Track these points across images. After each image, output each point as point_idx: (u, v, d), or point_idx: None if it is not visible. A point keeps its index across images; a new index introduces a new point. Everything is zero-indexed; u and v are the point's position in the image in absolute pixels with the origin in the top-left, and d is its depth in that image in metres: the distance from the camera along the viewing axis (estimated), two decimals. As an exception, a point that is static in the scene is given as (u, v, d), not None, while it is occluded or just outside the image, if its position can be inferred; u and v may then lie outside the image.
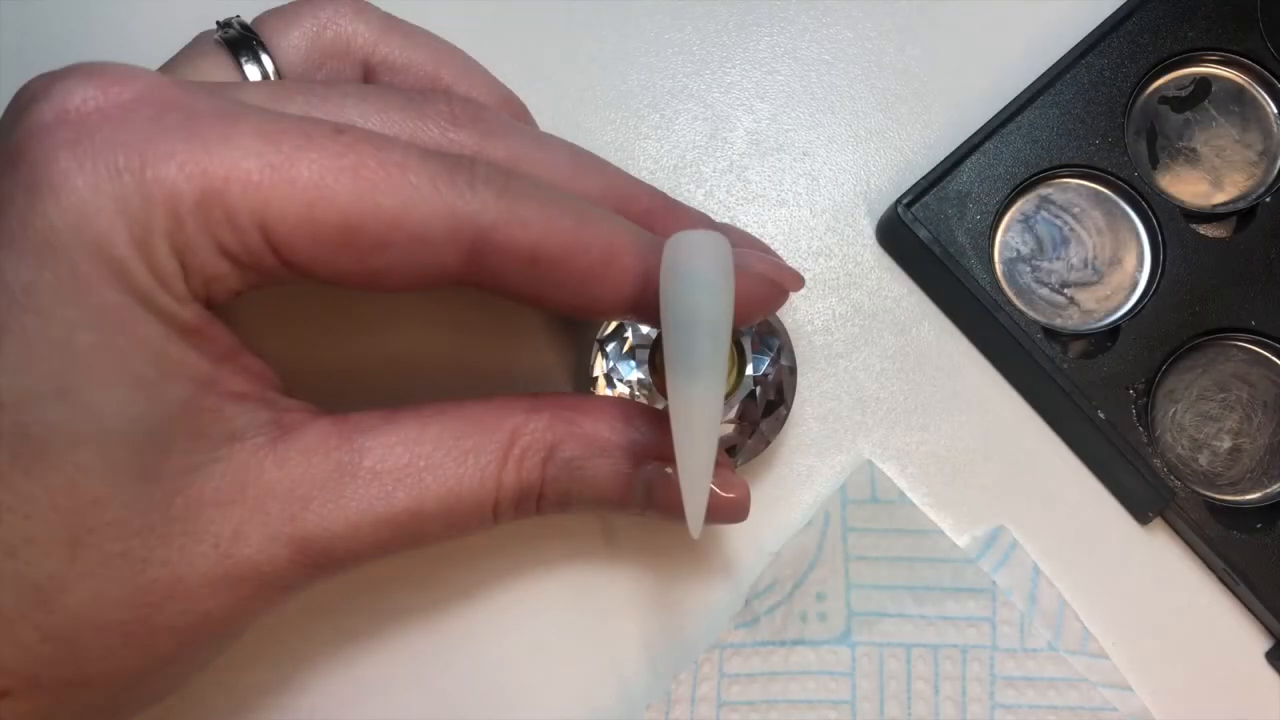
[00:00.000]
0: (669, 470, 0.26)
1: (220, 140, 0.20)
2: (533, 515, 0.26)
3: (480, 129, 0.24)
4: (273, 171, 0.21)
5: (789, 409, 0.30)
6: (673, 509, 0.25)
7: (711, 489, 0.25)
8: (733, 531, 0.31)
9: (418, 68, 0.27)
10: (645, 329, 0.30)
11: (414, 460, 0.24)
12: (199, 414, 0.22)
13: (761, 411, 0.30)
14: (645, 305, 0.24)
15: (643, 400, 0.29)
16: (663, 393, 0.29)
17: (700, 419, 0.23)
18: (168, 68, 0.26)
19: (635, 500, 0.26)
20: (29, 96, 0.20)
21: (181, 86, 0.21)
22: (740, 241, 0.30)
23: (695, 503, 0.24)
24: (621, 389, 0.29)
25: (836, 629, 0.30)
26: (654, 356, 0.29)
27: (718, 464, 0.25)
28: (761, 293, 0.26)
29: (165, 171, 0.20)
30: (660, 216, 0.27)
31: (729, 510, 0.27)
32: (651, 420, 0.26)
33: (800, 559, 0.30)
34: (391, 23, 0.28)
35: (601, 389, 0.29)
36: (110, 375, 0.20)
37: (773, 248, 0.32)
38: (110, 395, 0.20)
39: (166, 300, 0.20)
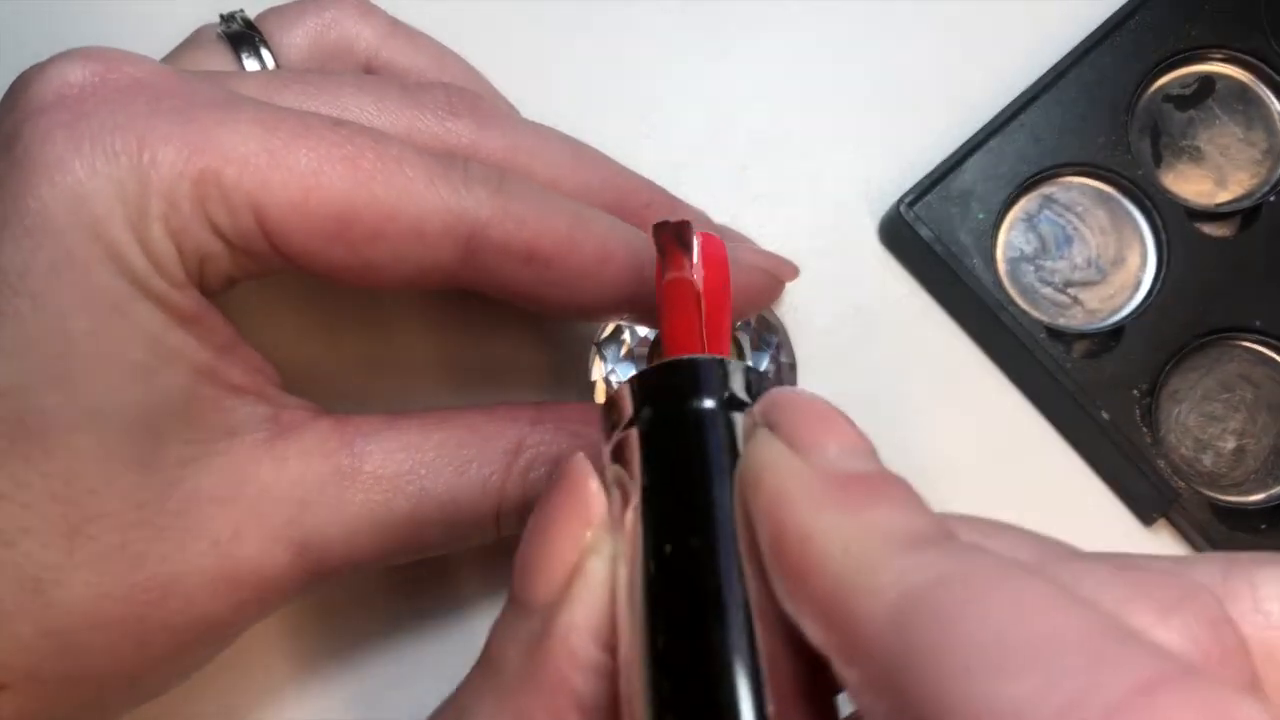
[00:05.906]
0: None
1: (218, 126, 0.20)
2: None
3: (478, 119, 0.24)
4: (270, 157, 0.20)
5: (791, 408, 0.30)
6: None
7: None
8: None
9: (419, 74, 0.27)
10: (643, 332, 0.29)
11: (415, 467, 0.24)
12: (197, 403, 0.21)
13: (763, 411, 0.30)
14: (640, 304, 0.24)
15: None
16: None
17: None
18: (168, 60, 0.26)
19: None
20: (26, 79, 0.20)
21: (179, 74, 0.21)
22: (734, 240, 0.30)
23: None
24: None
25: None
26: (652, 358, 0.29)
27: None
28: (757, 284, 0.26)
29: (163, 155, 0.20)
30: (659, 212, 0.27)
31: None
32: None
33: None
34: (396, 27, 0.28)
35: (600, 392, 0.29)
36: (106, 361, 0.20)
37: (774, 247, 0.32)
38: (106, 381, 0.20)
39: (163, 286, 0.20)
